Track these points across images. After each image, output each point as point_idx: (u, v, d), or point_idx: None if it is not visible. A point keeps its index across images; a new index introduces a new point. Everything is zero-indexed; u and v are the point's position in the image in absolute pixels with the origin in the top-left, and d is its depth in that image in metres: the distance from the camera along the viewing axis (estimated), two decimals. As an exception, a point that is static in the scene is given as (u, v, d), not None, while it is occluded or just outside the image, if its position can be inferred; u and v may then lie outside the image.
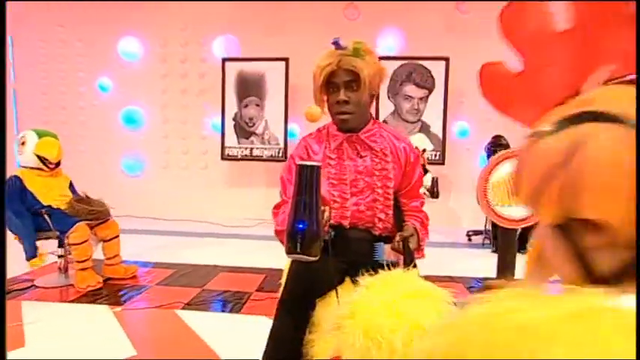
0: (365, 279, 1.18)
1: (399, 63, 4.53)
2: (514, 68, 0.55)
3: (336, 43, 1.34)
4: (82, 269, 2.81)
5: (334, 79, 1.33)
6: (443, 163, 4.61)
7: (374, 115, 1.61)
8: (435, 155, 4.57)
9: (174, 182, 5.38)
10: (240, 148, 4.90)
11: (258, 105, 4.81)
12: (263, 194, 5.22)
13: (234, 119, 4.88)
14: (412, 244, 1.32)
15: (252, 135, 4.86)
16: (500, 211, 1.08)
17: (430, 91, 4.57)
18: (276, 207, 1.48)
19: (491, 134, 4.31)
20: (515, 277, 1.13)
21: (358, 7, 4.94)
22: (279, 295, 1.42)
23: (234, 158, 4.95)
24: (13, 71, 5.46)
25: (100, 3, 5.14)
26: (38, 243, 2.77)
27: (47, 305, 2.57)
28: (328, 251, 1.22)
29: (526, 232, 3.28)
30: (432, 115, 4.60)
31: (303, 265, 1.19)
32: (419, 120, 4.63)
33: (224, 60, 4.85)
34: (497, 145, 4.13)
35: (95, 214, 2.86)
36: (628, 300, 0.31)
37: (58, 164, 2.97)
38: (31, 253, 2.70)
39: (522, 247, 3.40)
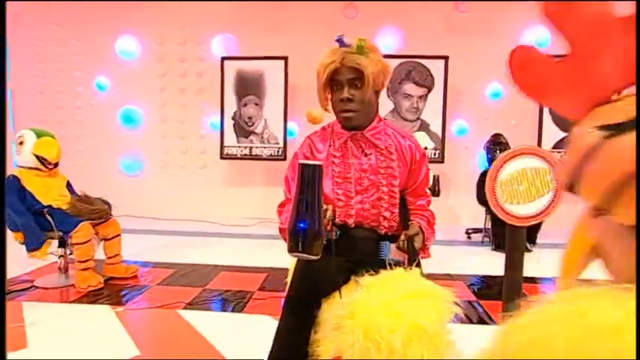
0: (365, 278, 1.17)
1: (399, 61, 4.53)
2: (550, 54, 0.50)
3: (340, 41, 1.33)
4: (84, 269, 2.79)
5: (338, 77, 1.33)
6: (442, 162, 4.62)
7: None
8: (435, 153, 4.58)
9: (173, 182, 5.36)
10: (239, 147, 4.88)
11: (257, 104, 4.80)
12: (262, 193, 5.21)
13: (233, 118, 4.87)
14: (417, 244, 1.32)
15: (252, 134, 4.85)
16: (508, 208, 1.08)
17: (429, 89, 4.58)
18: (281, 205, 1.48)
19: (490, 133, 4.32)
20: (524, 275, 1.14)
21: (357, 6, 4.93)
22: (284, 294, 1.41)
23: (234, 157, 4.93)
24: (9, 70, 5.41)
25: (97, 1, 5.11)
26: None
27: (48, 306, 2.55)
28: (331, 250, 1.22)
29: (530, 230, 3.30)
30: (431, 113, 4.61)
31: (308, 264, 1.19)
32: (418, 118, 4.64)
33: (223, 59, 4.83)
34: (496, 143, 4.14)
35: (98, 213, 2.85)
36: None
37: (56, 164, 2.96)
38: (36, 244, 2.67)
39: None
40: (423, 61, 4.56)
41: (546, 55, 0.51)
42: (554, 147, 4.53)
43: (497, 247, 4.05)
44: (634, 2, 0.43)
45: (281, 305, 1.38)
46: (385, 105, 4.65)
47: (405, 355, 1.03)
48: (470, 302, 2.71)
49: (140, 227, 4.49)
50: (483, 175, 4.16)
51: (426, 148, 3.88)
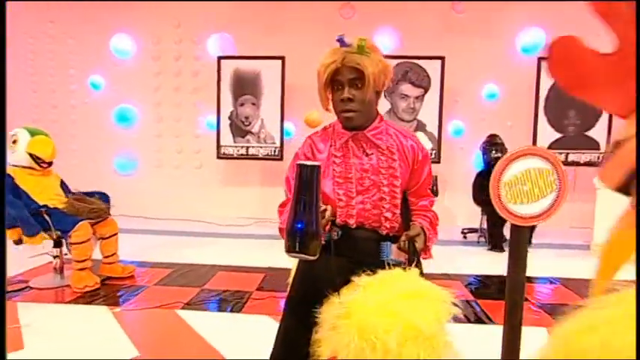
0: (363, 278, 1.18)
1: (395, 62, 4.54)
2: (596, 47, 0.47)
3: (340, 41, 1.33)
4: (81, 269, 2.77)
5: (338, 77, 1.32)
6: (438, 162, 4.64)
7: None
8: (431, 154, 4.60)
9: (168, 181, 5.33)
10: (236, 147, 4.87)
11: (254, 104, 4.79)
12: (258, 193, 5.21)
13: (229, 118, 4.85)
14: (418, 244, 1.32)
15: (248, 134, 4.84)
16: (512, 208, 1.09)
17: (426, 90, 4.60)
18: (282, 205, 1.47)
19: (486, 133, 4.35)
20: (527, 275, 1.15)
21: (354, 7, 4.94)
22: (283, 294, 1.41)
23: (230, 157, 4.92)
24: (1, 68, 5.35)
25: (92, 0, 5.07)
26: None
27: (43, 307, 2.52)
28: (330, 251, 1.22)
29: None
30: (427, 114, 4.63)
31: (308, 264, 1.19)
32: (415, 119, 4.66)
33: (219, 58, 4.81)
34: (492, 144, 4.18)
35: (97, 212, 2.83)
36: None
37: (50, 164, 2.93)
38: (33, 231, 2.63)
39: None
40: (420, 62, 4.58)
41: (590, 48, 0.47)
42: (549, 148, 4.57)
43: (493, 247, 4.08)
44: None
45: (280, 305, 1.39)
46: (382, 105, 4.64)
47: (401, 355, 1.03)
48: (467, 301, 2.73)
49: (135, 227, 4.46)
50: (479, 175, 4.19)
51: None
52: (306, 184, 1.02)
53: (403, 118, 4.65)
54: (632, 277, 0.42)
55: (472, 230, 4.52)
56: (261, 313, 2.43)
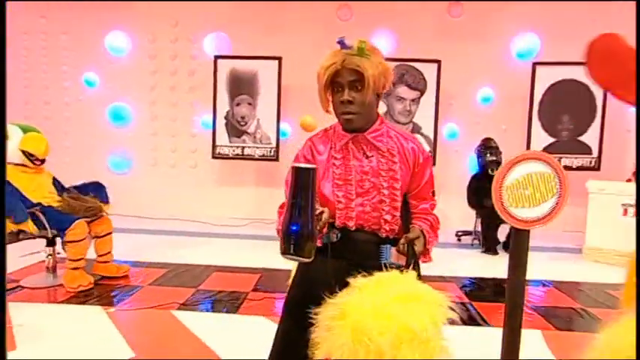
0: (359, 280, 1.18)
1: (392, 64, 4.56)
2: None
3: (341, 43, 1.33)
4: (74, 268, 2.73)
5: (338, 79, 1.33)
6: (433, 164, 4.66)
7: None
8: (427, 156, 4.62)
9: (163, 180, 5.30)
10: (231, 146, 4.85)
11: (250, 104, 4.78)
12: (254, 194, 5.19)
13: (225, 118, 4.83)
14: (417, 247, 1.32)
15: (244, 134, 4.82)
16: (514, 212, 1.11)
17: (422, 92, 4.62)
18: (281, 207, 1.47)
19: (480, 137, 4.39)
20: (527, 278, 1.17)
21: (351, 8, 4.96)
22: (279, 295, 1.41)
23: (226, 157, 4.90)
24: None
25: (88, -4, 5.02)
26: (30, 242, 2.67)
27: (36, 306, 2.49)
28: (328, 253, 1.22)
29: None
30: (423, 116, 4.66)
31: (306, 266, 1.19)
32: (410, 121, 4.68)
33: (216, 57, 4.79)
34: (487, 147, 4.21)
35: (92, 210, 2.80)
36: None
37: (43, 161, 2.89)
38: (22, 217, 2.58)
39: (507, 247, 3.46)
40: (416, 65, 4.61)
41: (632, 48, 0.45)
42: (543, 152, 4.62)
43: (487, 249, 4.11)
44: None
45: (275, 306, 1.38)
46: (378, 107, 4.68)
47: (395, 358, 1.04)
48: (463, 304, 2.75)
49: (130, 226, 4.42)
50: (474, 178, 4.22)
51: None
52: (301, 186, 1.02)
53: (399, 121, 4.67)
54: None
55: (466, 233, 4.55)
56: (257, 314, 2.42)
